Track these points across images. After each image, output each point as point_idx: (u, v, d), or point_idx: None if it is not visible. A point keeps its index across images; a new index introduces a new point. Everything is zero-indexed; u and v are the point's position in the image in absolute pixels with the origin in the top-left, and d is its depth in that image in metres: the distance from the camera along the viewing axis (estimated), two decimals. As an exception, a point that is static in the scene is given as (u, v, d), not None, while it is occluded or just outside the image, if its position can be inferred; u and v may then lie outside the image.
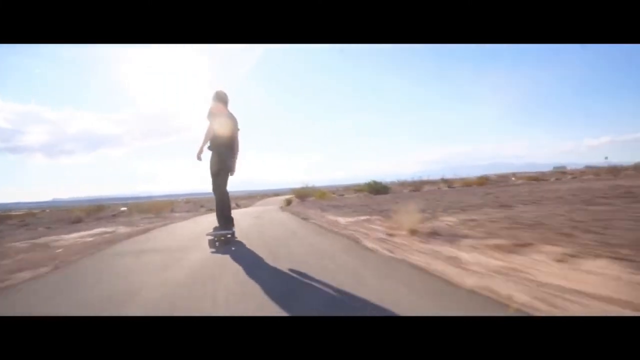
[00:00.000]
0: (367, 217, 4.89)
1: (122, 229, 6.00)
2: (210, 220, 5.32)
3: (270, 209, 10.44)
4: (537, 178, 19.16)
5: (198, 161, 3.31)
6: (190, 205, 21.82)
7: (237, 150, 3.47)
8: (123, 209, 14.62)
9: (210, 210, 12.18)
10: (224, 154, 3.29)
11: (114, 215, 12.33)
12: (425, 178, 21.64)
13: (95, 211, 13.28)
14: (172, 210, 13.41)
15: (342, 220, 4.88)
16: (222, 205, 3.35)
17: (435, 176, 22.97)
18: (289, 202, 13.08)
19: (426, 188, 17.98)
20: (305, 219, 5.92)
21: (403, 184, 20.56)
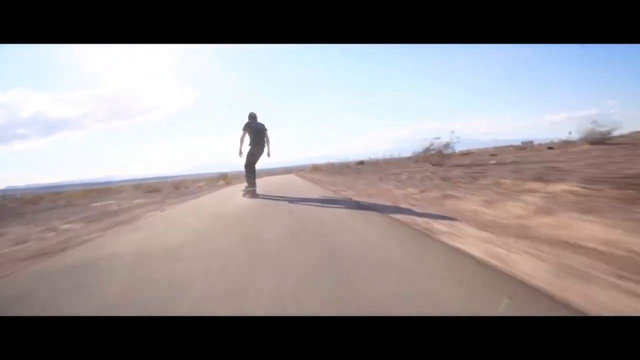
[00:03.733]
0: None
1: None
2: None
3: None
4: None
5: (239, 157, 5.27)
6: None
7: (269, 141, 5.48)
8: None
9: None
10: (258, 147, 5.38)
11: None
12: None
13: None
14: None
15: None
16: (252, 176, 5.56)
17: (406, 153, 16.60)
18: None
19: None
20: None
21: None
